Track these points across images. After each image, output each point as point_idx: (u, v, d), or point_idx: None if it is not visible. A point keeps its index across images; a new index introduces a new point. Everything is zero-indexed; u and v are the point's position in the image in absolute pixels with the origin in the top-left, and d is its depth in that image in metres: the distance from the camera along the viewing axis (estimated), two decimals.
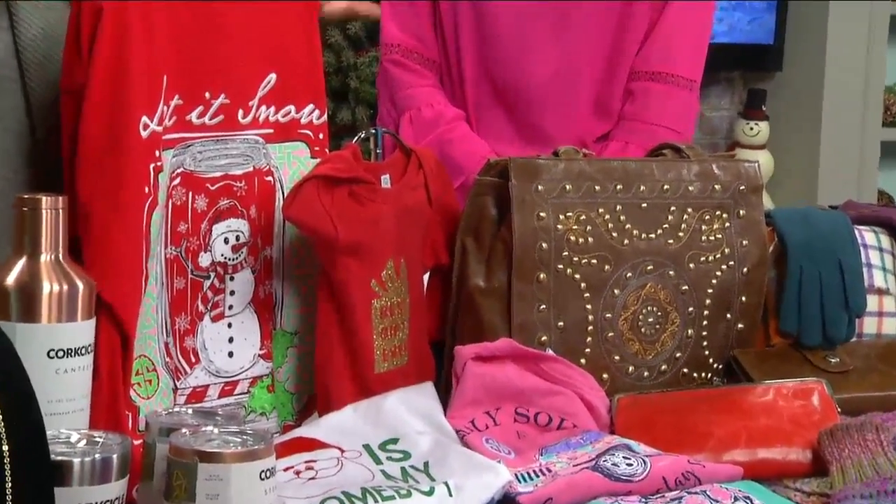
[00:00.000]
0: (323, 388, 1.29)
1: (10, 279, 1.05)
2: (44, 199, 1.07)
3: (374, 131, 1.41)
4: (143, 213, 1.15)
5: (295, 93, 1.30)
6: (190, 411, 1.11)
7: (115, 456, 0.96)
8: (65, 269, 1.08)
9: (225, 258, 1.26)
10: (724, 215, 1.43)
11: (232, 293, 1.27)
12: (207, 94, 1.23)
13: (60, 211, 1.08)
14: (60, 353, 1.06)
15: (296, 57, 1.30)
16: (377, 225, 1.28)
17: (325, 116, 1.33)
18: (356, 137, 1.36)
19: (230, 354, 1.27)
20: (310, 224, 1.24)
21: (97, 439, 0.98)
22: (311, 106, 1.32)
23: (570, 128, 1.72)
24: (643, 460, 1.16)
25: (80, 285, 1.08)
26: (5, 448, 0.86)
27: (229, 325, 1.27)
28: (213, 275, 1.25)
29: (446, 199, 1.39)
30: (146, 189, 1.16)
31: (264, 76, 1.27)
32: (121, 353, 1.14)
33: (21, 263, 1.06)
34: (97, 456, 0.96)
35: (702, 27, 1.77)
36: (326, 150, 1.34)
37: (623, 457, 1.16)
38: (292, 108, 1.30)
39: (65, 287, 1.06)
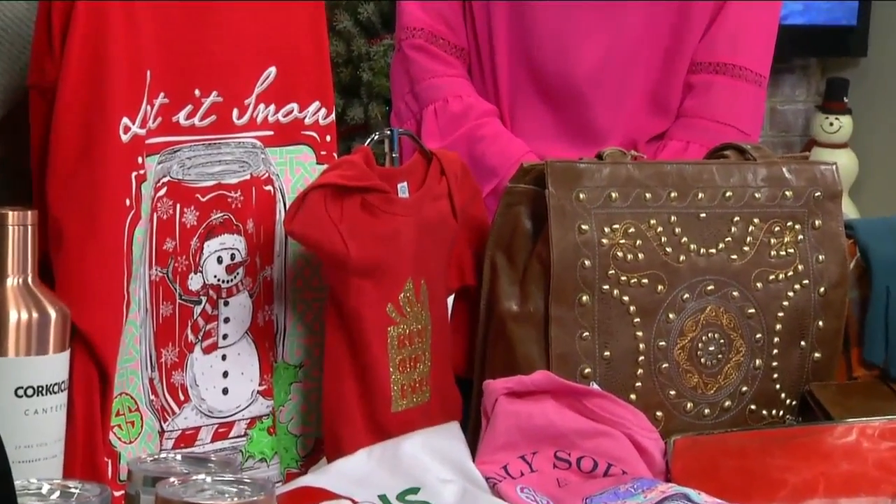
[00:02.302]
0: (332, 430, 1.30)
1: None
2: (10, 213, 1.08)
3: (389, 132, 1.43)
4: (123, 228, 1.17)
5: (298, 89, 1.31)
6: (179, 457, 1.12)
7: None
8: (35, 294, 1.09)
9: (218, 280, 1.27)
10: (797, 226, 1.43)
11: (226, 320, 1.28)
12: (197, 92, 1.24)
13: (30, 227, 1.09)
14: (30, 392, 1.07)
15: (298, 48, 1.31)
16: (394, 240, 1.30)
17: (333, 116, 1.34)
18: (369, 139, 1.37)
19: (225, 391, 1.28)
20: (316, 240, 1.26)
21: (72, 490, 1.00)
22: (316, 104, 1.33)
23: (621, 125, 1.73)
24: None
25: (53, 313, 1.09)
26: None
27: (223, 358, 1.28)
28: (204, 299, 1.26)
29: (473, 211, 1.40)
30: (127, 201, 1.17)
31: (262, 70, 1.28)
32: (99, 390, 1.15)
33: None
34: None
35: (772, 16, 1.78)
36: (335, 155, 1.35)
37: None
38: (295, 106, 1.31)
39: (35, 315, 1.08)
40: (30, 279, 1.09)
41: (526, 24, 1.72)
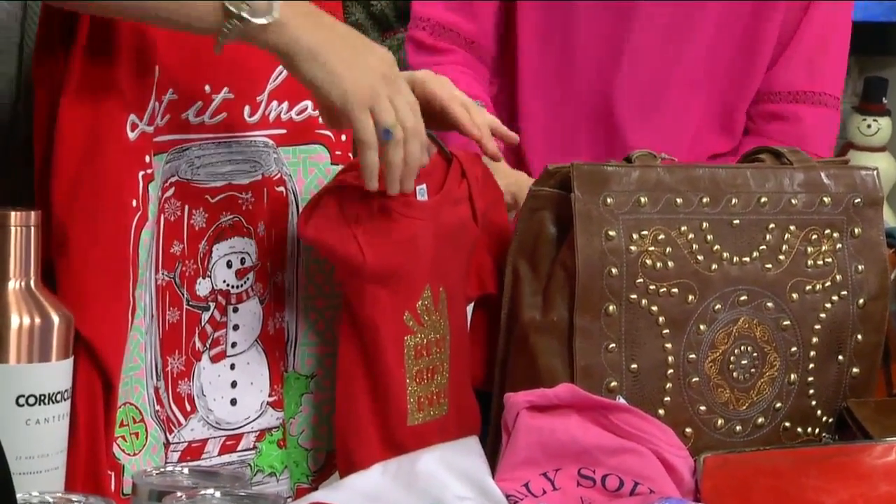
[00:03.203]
0: (344, 444, 1.30)
1: None
2: (13, 214, 1.09)
3: None
4: (130, 231, 1.18)
5: None
6: (186, 471, 1.13)
7: None
8: (37, 298, 1.10)
9: (227, 285, 1.28)
10: (836, 235, 1.43)
11: (235, 328, 1.29)
12: (207, 88, 1.25)
13: (32, 228, 1.10)
14: (32, 400, 1.08)
15: None
16: (412, 245, 1.30)
17: None
18: None
19: (233, 402, 1.29)
20: (331, 245, 1.26)
21: (75, 503, 1.00)
22: None
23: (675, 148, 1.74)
24: None
25: (56, 318, 1.10)
26: None
27: (232, 367, 1.29)
28: (213, 305, 1.27)
29: (495, 216, 1.41)
30: (134, 202, 1.18)
31: (275, 66, 1.29)
32: (102, 400, 1.16)
33: None
34: None
35: (846, 34, 1.81)
36: (350, 155, 1.36)
37: None
38: (309, 104, 1.32)
39: (37, 320, 1.09)
40: (32, 283, 1.10)
41: (569, 41, 1.71)
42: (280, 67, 1.29)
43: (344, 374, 1.30)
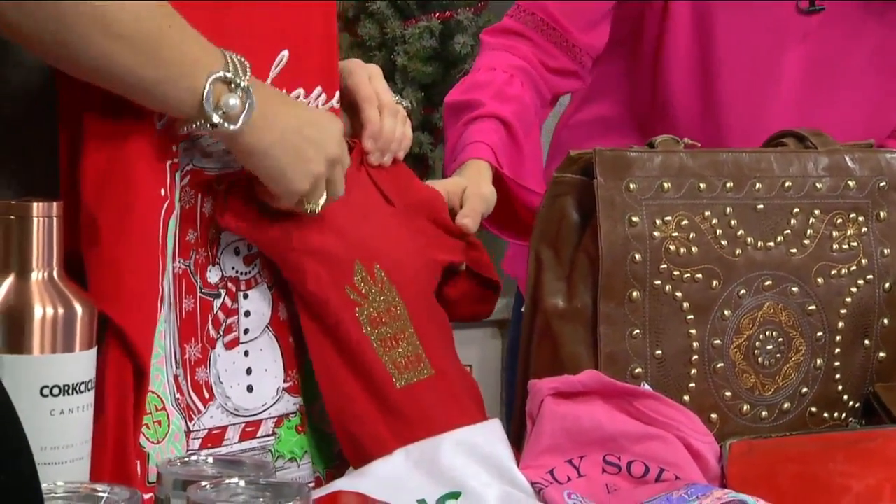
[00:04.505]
0: (345, 430, 1.30)
1: None
2: (35, 205, 1.09)
3: None
4: (159, 219, 1.18)
5: (306, 73, 1.31)
6: (210, 459, 1.13)
7: None
8: (60, 288, 1.10)
9: (236, 272, 1.28)
10: (861, 218, 1.43)
11: (247, 314, 1.29)
12: None
13: (55, 219, 1.10)
14: (56, 391, 1.08)
15: (310, 30, 1.31)
16: (327, 223, 1.30)
17: (335, 102, 1.34)
18: None
19: (249, 388, 1.29)
20: (252, 231, 1.26)
21: (101, 494, 1.01)
22: (318, 89, 1.33)
23: None
24: None
25: (79, 308, 1.10)
26: None
27: (246, 354, 1.29)
28: (223, 293, 1.27)
29: (416, 191, 1.41)
30: (162, 191, 1.19)
31: (276, 54, 1.28)
32: (133, 389, 1.17)
33: (7, 283, 1.09)
34: None
35: None
36: None
37: None
38: (301, 91, 1.30)
39: (60, 311, 1.09)
40: (55, 273, 1.10)
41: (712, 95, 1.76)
42: (281, 55, 1.28)
43: (320, 362, 1.30)
